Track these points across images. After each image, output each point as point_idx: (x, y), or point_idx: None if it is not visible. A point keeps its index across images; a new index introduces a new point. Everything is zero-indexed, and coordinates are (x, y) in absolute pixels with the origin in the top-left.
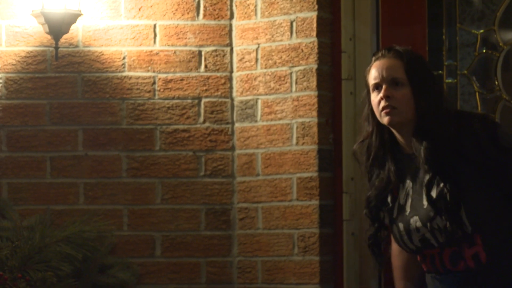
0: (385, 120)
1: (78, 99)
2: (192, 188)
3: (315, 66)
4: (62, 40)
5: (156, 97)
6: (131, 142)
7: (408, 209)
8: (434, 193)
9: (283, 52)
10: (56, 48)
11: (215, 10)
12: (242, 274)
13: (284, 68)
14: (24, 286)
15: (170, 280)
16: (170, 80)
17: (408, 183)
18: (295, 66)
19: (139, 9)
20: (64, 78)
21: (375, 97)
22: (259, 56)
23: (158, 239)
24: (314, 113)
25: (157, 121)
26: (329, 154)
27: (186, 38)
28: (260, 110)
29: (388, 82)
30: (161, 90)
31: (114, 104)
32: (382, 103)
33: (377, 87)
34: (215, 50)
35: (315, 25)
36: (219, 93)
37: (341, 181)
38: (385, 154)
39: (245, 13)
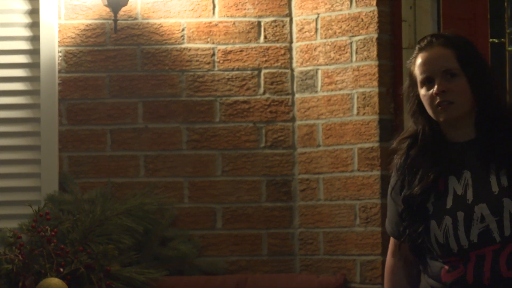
0: (442, 117)
1: (137, 71)
2: (252, 159)
3: (375, 36)
4: (121, 12)
5: (216, 68)
6: (191, 114)
7: (470, 198)
8: (505, 181)
9: (342, 21)
10: (115, 20)
11: None
12: (304, 246)
13: (344, 38)
14: (86, 259)
15: (231, 252)
16: (230, 52)
17: (466, 173)
18: (355, 36)
19: None
20: (123, 51)
21: (426, 92)
22: (319, 26)
23: (219, 211)
24: (375, 83)
25: (216, 92)
26: (390, 124)
27: (245, 9)
28: (320, 80)
29: (440, 74)
30: (221, 61)
31: (174, 76)
32: (437, 99)
33: (428, 81)
34: (275, 21)
35: None
36: (279, 63)
37: None
38: (437, 149)
39: None
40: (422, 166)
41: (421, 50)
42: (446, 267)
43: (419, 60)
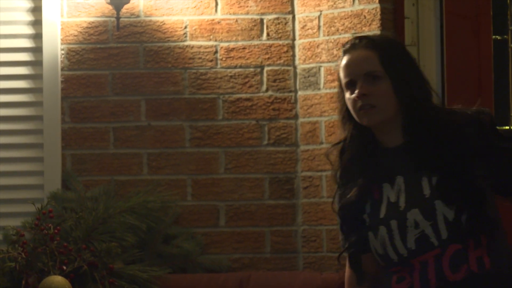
0: (364, 121)
1: (140, 69)
2: (255, 157)
3: (378, 33)
4: (124, 10)
5: (218, 66)
6: (194, 112)
7: (403, 204)
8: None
9: (345, 19)
10: (118, 18)
11: None
12: (307, 243)
13: (346, 35)
14: (89, 257)
15: (235, 250)
16: (232, 49)
17: (399, 178)
18: (357, 33)
19: None
20: (126, 48)
21: (349, 96)
22: (322, 24)
23: (222, 209)
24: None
25: (219, 90)
26: None
27: (247, 6)
28: (323, 77)
29: (362, 77)
30: (223, 59)
31: (176, 74)
32: (359, 103)
33: (351, 84)
34: (277, 18)
35: None
36: (282, 61)
37: None
38: (366, 155)
39: None
40: (353, 175)
41: (345, 53)
42: (395, 277)
43: (342, 63)
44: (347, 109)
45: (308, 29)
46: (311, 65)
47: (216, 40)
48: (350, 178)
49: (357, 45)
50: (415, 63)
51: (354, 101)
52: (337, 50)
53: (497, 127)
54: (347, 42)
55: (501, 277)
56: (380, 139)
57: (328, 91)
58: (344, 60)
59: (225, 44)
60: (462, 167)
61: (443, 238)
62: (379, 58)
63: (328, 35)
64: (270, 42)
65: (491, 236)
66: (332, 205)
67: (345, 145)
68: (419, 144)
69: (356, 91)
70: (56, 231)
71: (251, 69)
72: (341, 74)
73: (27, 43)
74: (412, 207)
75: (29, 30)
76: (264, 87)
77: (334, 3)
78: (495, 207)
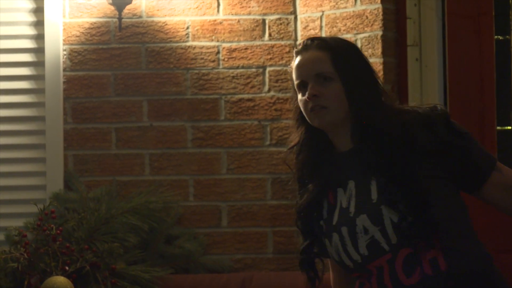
0: (315, 122)
1: (142, 69)
2: (257, 157)
3: (380, 33)
4: (126, 11)
5: (221, 66)
6: (196, 112)
7: (352, 210)
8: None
9: (347, 19)
10: (120, 19)
11: None
12: None
13: (348, 35)
14: (91, 257)
15: (237, 250)
16: (234, 49)
17: (351, 183)
18: (360, 33)
19: None
20: (128, 49)
21: (301, 97)
22: (324, 24)
23: (224, 209)
24: (380, 80)
25: (221, 90)
26: None
27: (249, 7)
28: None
29: (313, 78)
30: (225, 59)
31: (179, 74)
32: (310, 104)
33: (303, 85)
34: (279, 18)
35: None
36: (284, 61)
37: None
38: (320, 158)
39: None
40: (306, 179)
41: (297, 54)
42: (357, 283)
43: (294, 64)
44: (300, 111)
45: (310, 29)
46: None
47: (218, 41)
48: (306, 182)
49: (309, 46)
50: (368, 65)
51: (305, 102)
52: None
53: (454, 124)
54: (299, 43)
55: (459, 277)
56: (334, 143)
57: None
58: (296, 61)
59: (227, 45)
60: (406, 169)
61: (393, 243)
62: (331, 59)
63: (330, 35)
64: (272, 42)
65: (444, 237)
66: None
67: (299, 148)
68: (367, 148)
69: (307, 92)
70: (58, 231)
71: (253, 70)
72: (293, 76)
73: (29, 43)
74: (360, 213)
75: (31, 31)
76: (266, 87)
77: (336, 4)
78: (451, 206)
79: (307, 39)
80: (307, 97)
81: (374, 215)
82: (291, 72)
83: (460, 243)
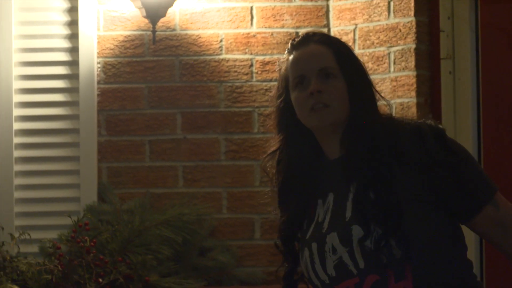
0: (315, 121)
1: (176, 82)
2: None
3: (413, 46)
4: (159, 23)
5: (254, 79)
6: (229, 125)
7: (326, 226)
8: (359, 204)
9: (380, 32)
10: (154, 31)
11: None
12: None
13: (382, 48)
14: (125, 269)
15: (270, 263)
16: (268, 62)
17: (330, 195)
18: (393, 46)
19: None
20: (162, 62)
21: (299, 94)
22: (357, 37)
23: (257, 222)
24: (413, 93)
25: (255, 103)
26: None
27: (283, 20)
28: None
29: (316, 74)
30: (259, 72)
31: (212, 87)
32: (311, 100)
33: (302, 81)
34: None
35: (412, 4)
36: None
37: None
38: (307, 166)
39: None
40: (290, 191)
41: (295, 48)
42: None
43: (292, 59)
44: (284, 112)
45: None
46: None
47: (251, 54)
48: (288, 193)
49: (310, 40)
50: (365, 69)
51: (305, 98)
52: (372, 63)
53: (447, 140)
54: (296, 37)
55: None
56: (324, 149)
57: None
58: (294, 56)
59: (260, 58)
60: (387, 180)
61: (361, 267)
62: (333, 55)
63: (363, 48)
64: None
65: (419, 268)
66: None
67: (281, 154)
68: (355, 155)
69: (311, 87)
70: (92, 243)
71: None
72: (289, 71)
73: (64, 56)
74: (332, 230)
75: (65, 44)
76: None
77: (370, 17)
78: (434, 234)
79: (306, 34)
80: (310, 91)
81: (343, 235)
82: (283, 69)
83: (437, 277)
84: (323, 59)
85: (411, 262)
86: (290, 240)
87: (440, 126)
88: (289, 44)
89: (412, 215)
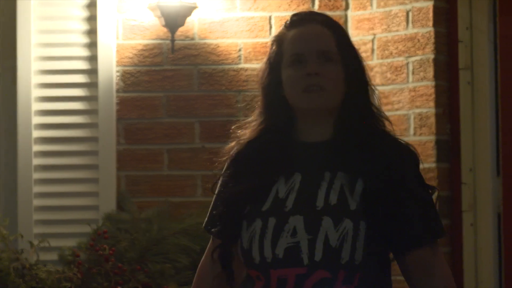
0: (305, 102)
1: (194, 91)
2: None
3: (432, 56)
4: (178, 33)
5: None
6: None
7: (289, 205)
8: (335, 197)
9: (399, 42)
10: (172, 41)
11: (330, 0)
12: None
13: (400, 59)
14: (143, 278)
15: None
16: None
17: (297, 175)
18: (411, 57)
19: (254, 1)
20: (180, 71)
21: (294, 73)
22: (375, 47)
23: None
24: (431, 104)
25: None
26: (446, 145)
27: None
28: (377, 100)
29: (315, 55)
30: None
31: (230, 96)
32: (306, 81)
33: (299, 60)
34: None
35: (431, 14)
36: None
37: (459, 171)
38: (280, 148)
39: (361, 3)
40: (255, 166)
41: (294, 24)
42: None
43: (291, 35)
44: (273, 89)
45: (361, 52)
46: None
47: None
48: (250, 168)
49: (313, 19)
50: (362, 58)
51: (301, 78)
52: (390, 74)
53: (420, 173)
54: (296, 14)
55: None
56: (299, 131)
57: None
58: (294, 32)
59: None
60: (375, 169)
61: (315, 260)
62: (335, 39)
63: (381, 58)
64: None
65: (367, 277)
66: (213, 186)
67: (260, 125)
68: (338, 147)
69: (308, 67)
70: (111, 252)
71: None
72: (286, 47)
73: (82, 65)
74: (298, 213)
75: (84, 52)
76: None
77: (388, 27)
78: (382, 249)
79: (309, 12)
80: (308, 72)
81: (311, 221)
82: (276, 45)
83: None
84: (324, 42)
85: (363, 271)
86: (238, 209)
87: (418, 156)
88: (289, 19)
89: (379, 224)
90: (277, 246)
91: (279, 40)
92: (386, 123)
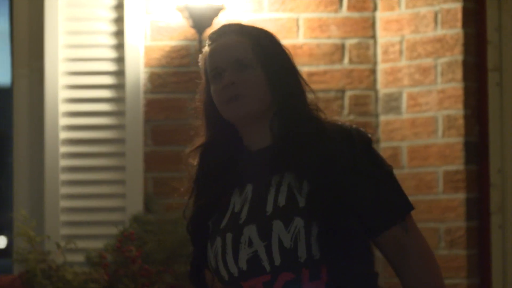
0: (229, 114)
1: None
2: None
3: (460, 58)
4: (206, 33)
5: None
6: None
7: (243, 217)
8: (283, 199)
9: (427, 43)
10: (200, 42)
11: (358, 2)
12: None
13: (428, 60)
14: (169, 280)
15: None
16: (314, 73)
17: (249, 186)
18: (440, 58)
19: (282, 2)
20: None
21: (216, 87)
22: (404, 48)
23: None
24: (460, 105)
25: None
26: (475, 147)
27: (329, 31)
28: (405, 102)
29: (231, 66)
30: None
31: None
32: (225, 93)
33: (219, 74)
34: (359, 43)
35: (460, 15)
36: (363, 85)
37: (488, 173)
38: (229, 158)
39: (389, 4)
40: (208, 180)
41: (212, 40)
42: None
43: (209, 52)
44: (208, 107)
45: (390, 53)
46: (393, 90)
47: (297, 64)
48: (206, 184)
49: (227, 32)
50: (291, 59)
51: (220, 92)
52: (419, 75)
53: (375, 152)
54: (212, 32)
55: None
56: (246, 141)
57: (410, 116)
58: (211, 47)
59: (306, 68)
60: (321, 169)
61: (276, 264)
62: (251, 45)
63: (410, 59)
64: (352, 66)
65: (335, 269)
66: (184, 212)
67: (206, 147)
68: (284, 145)
69: (223, 80)
70: (137, 253)
71: (333, 94)
72: (207, 64)
73: (110, 66)
74: (250, 222)
75: (112, 54)
76: (346, 111)
77: (416, 28)
78: (350, 239)
79: (224, 25)
80: (224, 84)
81: (263, 228)
82: (202, 61)
83: (349, 283)
84: (237, 50)
85: (328, 264)
86: (203, 225)
87: (369, 135)
88: (208, 36)
89: (335, 216)
90: (238, 259)
91: (204, 58)
92: (321, 114)
